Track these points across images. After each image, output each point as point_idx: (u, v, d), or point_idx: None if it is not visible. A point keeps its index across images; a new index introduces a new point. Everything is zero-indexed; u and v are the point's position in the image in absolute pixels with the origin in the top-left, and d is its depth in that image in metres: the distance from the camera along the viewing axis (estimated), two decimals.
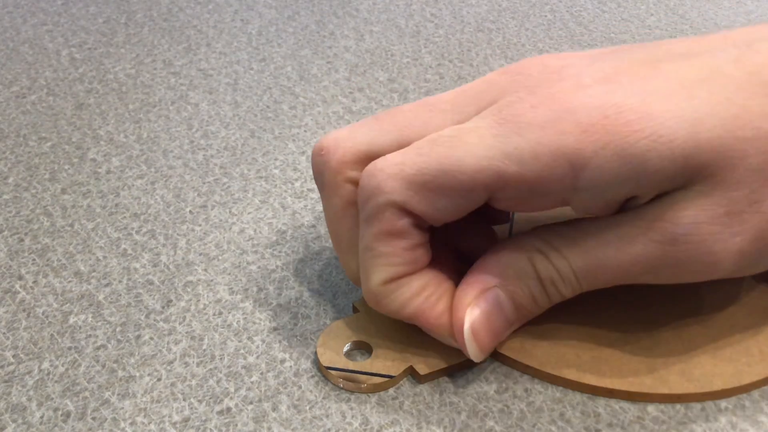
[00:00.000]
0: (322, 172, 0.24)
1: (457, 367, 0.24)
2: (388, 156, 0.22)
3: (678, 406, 0.22)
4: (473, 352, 0.22)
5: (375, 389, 0.23)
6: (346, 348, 0.24)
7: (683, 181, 0.21)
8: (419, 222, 0.22)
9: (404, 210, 0.22)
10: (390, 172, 0.22)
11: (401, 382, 0.23)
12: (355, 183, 0.23)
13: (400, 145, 0.23)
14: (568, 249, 0.22)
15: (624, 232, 0.21)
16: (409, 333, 0.24)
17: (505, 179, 0.21)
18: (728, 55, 0.22)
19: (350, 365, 0.23)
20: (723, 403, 0.23)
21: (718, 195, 0.20)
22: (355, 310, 0.26)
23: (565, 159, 0.20)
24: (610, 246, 0.21)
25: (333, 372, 0.23)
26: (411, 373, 0.24)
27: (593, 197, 0.21)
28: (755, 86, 0.21)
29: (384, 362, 0.23)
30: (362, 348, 0.24)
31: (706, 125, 0.20)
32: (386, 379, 0.23)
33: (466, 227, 0.26)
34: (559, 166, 0.21)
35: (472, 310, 0.22)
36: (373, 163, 0.22)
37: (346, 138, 0.24)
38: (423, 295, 0.23)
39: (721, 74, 0.21)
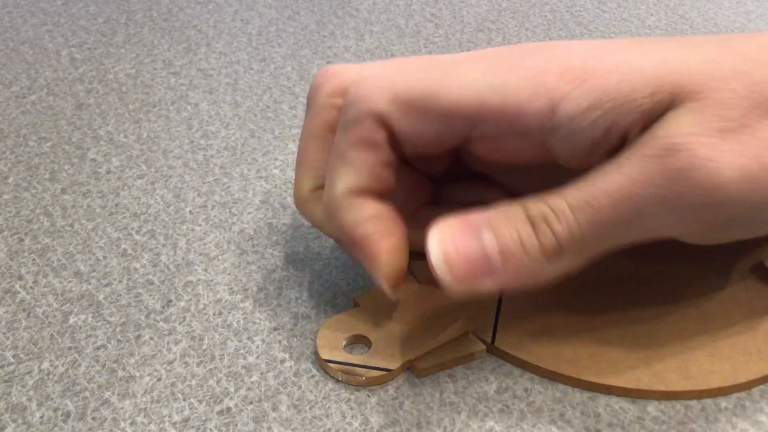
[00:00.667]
0: (318, 91, 0.25)
1: (456, 361, 0.24)
2: (373, 75, 0.23)
3: (678, 405, 0.22)
4: (445, 277, 0.20)
5: (373, 382, 0.23)
6: (345, 341, 0.24)
7: (666, 102, 0.20)
8: (394, 142, 0.23)
9: (384, 123, 0.22)
10: (379, 84, 0.22)
11: (401, 380, 0.23)
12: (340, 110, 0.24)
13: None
14: (565, 189, 0.21)
15: (622, 158, 0.20)
16: (409, 328, 0.24)
17: (486, 110, 0.22)
18: (711, 36, 0.23)
19: (349, 358, 0.23)
20: (723, 403, 0.23)
21: (707, 111, 0.20)
22: (355, 304, 0.26)
23: (546, 94, 0.21)
24: (607, 173, 0.20)
25: (332, 365, 0.23)
26: (409, 367, 0.24)
27: (573, 134, 0.21)
28: (732, 47, 0.22)
29: (383, 356, 0.23)
30: (361, 342, 0.24)
31: (678, 59, 0.21)
32: (384, 372, 0.23)
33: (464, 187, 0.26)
34: (537, 100, 0.21)
35: (446, 235, 0.21)
36: (364, 76, 0.23)
37: (351, 69, 0.25)
38: (378, 222, 0.23)
39: (697, 39, 0.22)
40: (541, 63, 0.22)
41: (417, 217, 0.25)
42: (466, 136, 0.22)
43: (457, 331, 0.24)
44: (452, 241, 0.21)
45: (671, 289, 0.25)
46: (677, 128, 0.20)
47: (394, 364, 0.23)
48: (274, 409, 0.23)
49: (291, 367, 0.24)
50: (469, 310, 0.25)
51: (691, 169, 0.19)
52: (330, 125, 0.24)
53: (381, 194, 0.23)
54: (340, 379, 0.23)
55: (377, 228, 0.23)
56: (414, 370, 0.23)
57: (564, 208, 0.20)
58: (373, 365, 0.23)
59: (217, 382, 0.23)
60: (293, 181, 0.32)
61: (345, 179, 0.23)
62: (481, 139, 0.23)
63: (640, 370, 0.23)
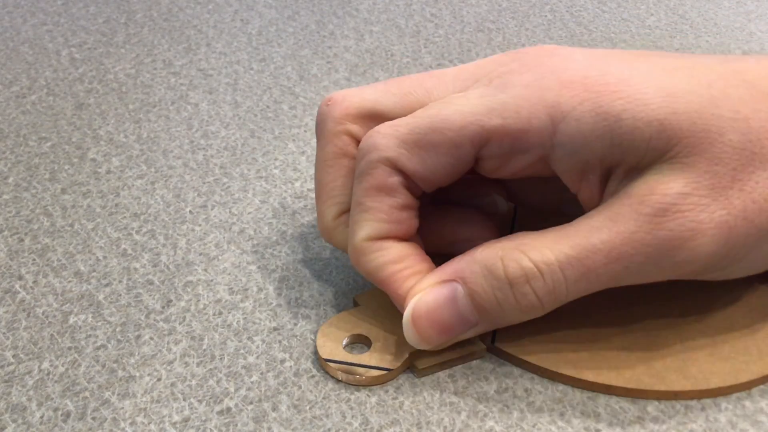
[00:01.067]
0: (325, 120, 0.25)
1: (456, 361, 0.24)
2: (388, 122, 0.23)
3: (678, 405, 0.22)
4: (409, 337, 0.22)
5: (373, 382, 0.23)
6: (345, 341, 0.24)
7: (662, 149, 0.21)
8: (410, 184, 0.23)
9: (395, 167, 0.23)
10: (385, 132, 0.23)
11: (401, 380, 0.23)
12: (353, 136, 0.25)
13: (403, 108, 0.24)
14: (554, 242, 0.21)
15: (614, 212, 0.21)
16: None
17: (488, 132, 0.22)
18: (715, 57, 0.23)
19: (349, 358, 0.23)
20: (723, 403, 0.23)
21: (701, 168, 0.20)
22: (355, 303, 0.26)
23: (545, 111, 0.21)
24: (599, 229, 0.21)
25: (332, 364, 0.23)
26: (409, 367, 0.24)
27: (571, 155, 0.22)
28: (737, 80, 0.22)
29: (383, 355, 0.23)
30: (362, 341, 0.24)
31: (683, 98, 0.21)
32: (385, 372, 0.23)
33: (465, 216, 0.26)
34: (538, 118, 0.21)
35: (421, 296, 0.22)
36: (374, 128, 0.24)
37: (354, 94, 0.25)
38: (401, 264, 0.23)
39: (704, 65, 0.22)
40: (538, 77, 0.22)
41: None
42: (475, 159, 0.23)
43: None
44: (426, 306, 0.22)
45: (671, 289, 0.25)
46: (671, 188, 0.20)
47: (394, 364, 0.23)
48: (274, 409, 0.23)
49: (291, 367, 0.24)
50: None
51: (680, 231, 0.20)
52: (343, 151, 0.25)
53: (403, 236, 0.24)
54: (340, 378, 0.23)
55: (397, 273, 0.23)
56: (414, 370, 0.23)
57: (553, 266, 0.21)
58: (373, 365, 0.23)
59: (217, 382, 0.23)
60: (294, 185, 0.32)
61: (365, 227, 0.23)
62: (487, 159, 0.23)
63: (641, 369, 0.23)
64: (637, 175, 0.21)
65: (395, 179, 0.23)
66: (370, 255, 0.23)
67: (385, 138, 0.23)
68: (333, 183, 0.25)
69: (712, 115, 0.21)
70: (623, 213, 0.21)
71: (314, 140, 0.36)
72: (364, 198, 0.23)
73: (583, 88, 0.21)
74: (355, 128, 0.25)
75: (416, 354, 0.23)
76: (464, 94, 0.23)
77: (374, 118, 0.25)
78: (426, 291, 0.22)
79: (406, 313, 0.22)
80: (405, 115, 0.24)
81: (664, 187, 0.20)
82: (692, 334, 0.24)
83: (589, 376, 0.23)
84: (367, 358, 0.23)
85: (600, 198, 0.22)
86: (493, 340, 0.24)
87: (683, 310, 0.25)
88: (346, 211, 0.25)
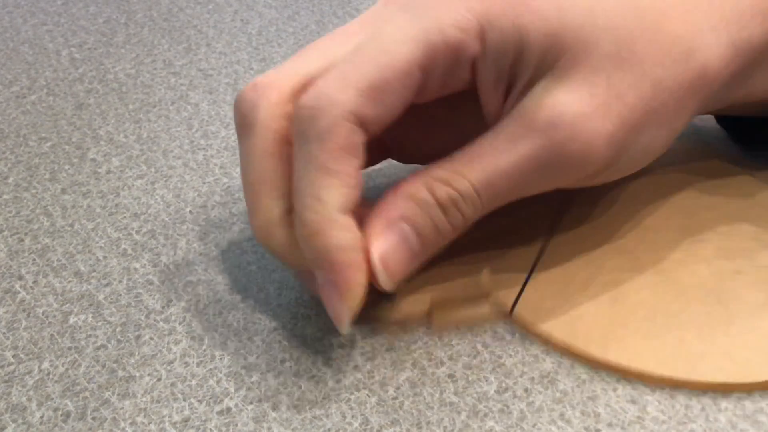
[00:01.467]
0: (256, 106, 0.23)
1: (473, 319, 0.25)
2: (323, 78, 0.22)
3: (678, 405, 0.22)
4: (384, 281, 0.22)
5: (400, 324, 0.25)
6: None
7: (551, 62, 0.22)
8: (366, 138, 0.22)
9: (359, 122, 0.22)
10: (338, 86, 0.22)
11: (401, 380, 0.23)
12: (290, 118, 0.23)
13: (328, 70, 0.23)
14: (466, 167, 0.23)
15: (510, 134, 0.22)
16: (433, 270, 0.25)
17: (434, 50, 0.22)
18: None
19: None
20: (723, 403, 0.22)
21: (580, 79, 0.22)
22: None
23: (476, 20, 0.22)
24: (503, 152, 0.22)
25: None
26: (428, 320, 0.25)
27: (492, 65, 0.23)
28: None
29: (406, 301, 0.24)
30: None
31: (569, 11, 0.22)
32: (410, 314, 0.24)
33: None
34: (472, 29, 0.22)
35: (378, 243, 0.22)
36: (311, 87, 0.22)
37: (282, 73, 0.24)
38: (358, 251, 0.22)
39: None
40: None
41: None
42: (421, 83, 0.22)
43: (480, 285, 0.25)
44: (386, 252, 0.22)
45: (705, 282, 0.25)
46: (556, 103, 0.22)
47: (418, 308, 0.24)
48: (274, 409, 0.23)
49: (291, 367, 0.24)
50: (496, 264, 0.26)
51: (570, 143, 0.22)
52: (283, 138, 0.23)
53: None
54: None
55: (357, 258, 0.22)
56: (431, 321, 0.24)
57: (471, 194, 0.23)
58: (396, 311, 0.24)
59: (217, 382, 0.24)
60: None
61: (335, 193, 0.21)
62: (430, 80, 0.23)
63: (672, 356, 0.23)
64: (528, 90, 0.23)
65: (359, 136, 0.22)
66: (339, 228, 0.21)
67: (341, 91, 0.21)
68: (276, 174, 0.23)
69: (592, 26, 0.22)
70: (519, 133, 0.22)
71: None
72: (328, 160, 0.21)
73: (503, 2, 0.22)
74: (291, 108, 0.23)
75: (439, 296, 0.24)
76: (390, 24, 0.22)
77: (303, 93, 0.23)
78: (379, 237, 0.22)
79: (376, 261, 0.22)
80: None
81: (551, 101, 0.22)
82: (726, 322, 0.24)
83: (611, 357, 0.22)
84: (391, 305, 0.24)
85: (501, 112, 0.24)
86: (512, 310, 0.24)
87: (727, 299, 0.24)
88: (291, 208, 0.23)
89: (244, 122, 0.24)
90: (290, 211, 0.23)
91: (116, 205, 0.32)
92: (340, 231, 0.21)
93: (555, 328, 0.24)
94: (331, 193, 0.21)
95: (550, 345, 0.24)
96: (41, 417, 0.22)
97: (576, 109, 0.22)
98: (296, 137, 0.22)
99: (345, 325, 0.22)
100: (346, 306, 0.22)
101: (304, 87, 0.23)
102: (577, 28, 0.22)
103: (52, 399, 0.23)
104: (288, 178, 0.23)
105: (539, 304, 0.25)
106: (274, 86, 0.23)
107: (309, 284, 0.25)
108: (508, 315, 0.24)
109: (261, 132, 0.23)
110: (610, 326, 0.24)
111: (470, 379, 0.23)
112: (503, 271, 0.26)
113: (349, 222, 0.22)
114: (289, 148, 0.23)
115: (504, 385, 0.23)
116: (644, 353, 0.23)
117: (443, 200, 0.22)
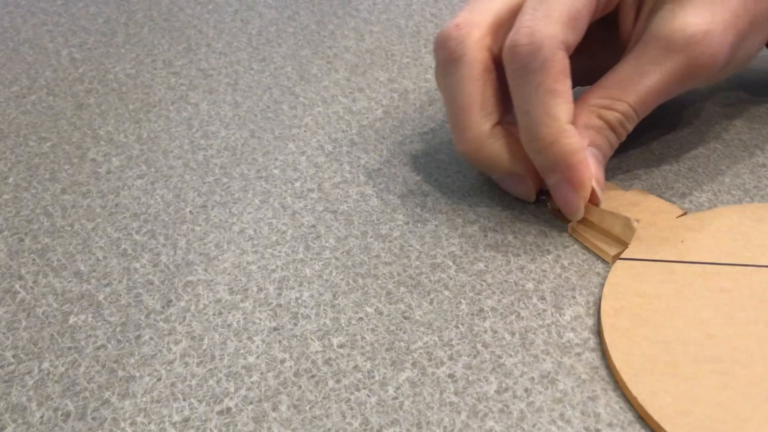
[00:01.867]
0: (463, 41, 0.28)
1: (607, 231, 0.28)
2: (528, 17, 0.26)
3: None
4: (600, 193, 0.28)
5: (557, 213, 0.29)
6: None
7: None
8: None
9: (565, 49, 0.26)
10: (546, 22, 0.26)
11: (401, 380, 0.23)
12: (491, 52, 0.28)
13: (513, 9, 0.28)
14: (623, 92, 0.28)
15: (652, 56, 0.27)
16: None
17: None
18: None
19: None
20: None
21: (701, 1, 0.27)
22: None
23: None
24: (649, 74, 0.27)
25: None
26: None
27: None
28: None
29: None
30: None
31: None
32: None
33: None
34: None
35: (593, 173, 0.28)
36: (522, 25, 0.26)
37: (474, 14, 0.28)
38: (583, 152, 0.27)
39: None
40: None
41: None
42: (594, 10, 0.28)
43: (624, 226, 0.28)
44: (595, 173, 0.28)
45: None
46: (690, 23, 0.27)
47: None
48: (274, 409, 0.23)
49: (291, 367, 0.24)
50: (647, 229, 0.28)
51: (703, 56, 0.27)
52: (486, 67, 0.28)
53: None
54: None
55: (585, 158, 0.27)
56: (570, 226, 0.28)
57: (630, 112, 0.28)
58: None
59: (217, 382, 0.24)
60: (294, 185, 0.32)
61: (563, 109, 0.26)
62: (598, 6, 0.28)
63: None
64: (658, 9, 0.28)
65: (567, 60, 0.26)
66: (571, 138, 0.26)
67: (550, 26, 0.26)
68: (483, 96, 0.28)
69: None
70: (660, 54, 0.27)
71: (314, 140, 0.36)
72: (554, 84, 0.26)
73: None
74: (490, 42, 0.28)
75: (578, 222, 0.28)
76: None
77: (500, 28, 0.28)
78: (591, 167, 0.28)
79: (596, 183, 0.27)
80: (516, 13, 0.27)
81: (683, 23, 0.27)
82: None
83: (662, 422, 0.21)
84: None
85: (632, 32, 0.29)
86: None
87: None
88: (498, 123, 0.28)
89: (452, 56, 0.28)
90: (496, 126, 0.28)
91: (116, 205, 0.32)
92: (571, 138, 0.26)
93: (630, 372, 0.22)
94: (560, 109, 0.26)
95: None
96: (41, 417, 0.22)
97: (705, 27, 0.27)
98: (516, 70, 0.26)
99: (580, 213, 0.28)
100: (580, 197, 0.27)
101: (496, 24, 0.28)
102: None
103: (52, 399, 0.23)
104: (491, 99, 0.28)
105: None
106: (474, 25, 0.28)
107: (512, 187, 0.30)
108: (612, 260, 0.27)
109: (470, 62, 0.28)
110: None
111: (470, 379, 0.23)
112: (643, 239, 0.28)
113: (574, 130, 0.27)
114: (490, 75, 0.28)
115: (504, 385, 0.23)
116: None
117: (612, 122, 0.28)
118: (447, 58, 0.28)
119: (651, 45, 0.27)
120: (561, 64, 0.26)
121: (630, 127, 0.29)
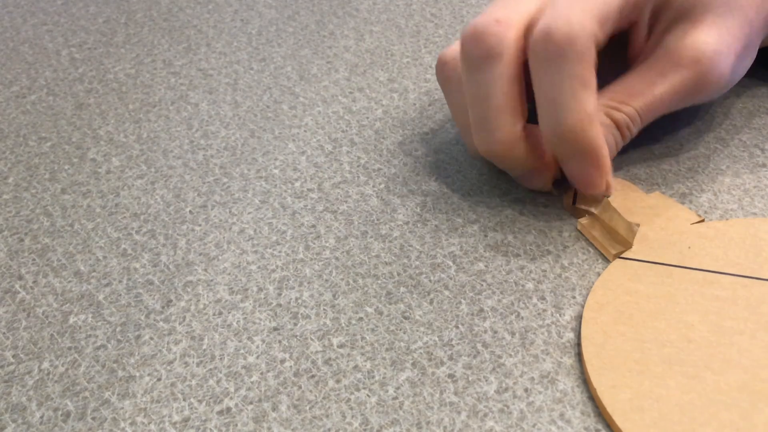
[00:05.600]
0: (502, 40, 0.27)
1: (608, 226, 0.28)
2: (567, 5, 0.27)
3: None
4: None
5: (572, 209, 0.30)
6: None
7: (688, 7, 0.29)
8: None
9: (597, 45, 0.27)
10: (584, 15, 0.26)
11: (401, 380, 0.23)
12: (523, 52, 0.28)
13: (540, 8, 0.28)
14: (630, 97, 0.29)
15: (661, 68, 0.29)
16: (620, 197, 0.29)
17: None
18: None
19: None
20: None
21: (710, 23, 0.28)
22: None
23: None
24: (656, 83, 0.29)
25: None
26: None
27: (650, 6, 0.29)
28: None
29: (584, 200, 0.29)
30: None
31: None
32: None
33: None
34: None
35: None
36: (559, 13, 0.26)
37: (510, 12, 0.28)
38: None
39: None
40: None
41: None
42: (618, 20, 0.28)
43: (626, 229, 0.28)
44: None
45: None
46: (700, 42, 0.28)
47: (588, 206, 0.29)
48: (274, 409, 0.23)
49: (291, 367, 0.24)
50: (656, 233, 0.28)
51: (709, 73, 0.28)
52: (521, 67, 0.28)
53: None
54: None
55: (606, 146, 0.28)
56: (580, 223, 0.29)
57: (635, 115, 0.29)
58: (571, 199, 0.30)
59: (217, 382, 0.24)
60: (294, 185, 0.32)
61: (592, 100, 0.26)
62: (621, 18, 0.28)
63: None
64: (672, 28, 0.29)
65: (595, 55, 0.26)
66: (597, 127, 0.27)
67: (588, 19, 0.26)
68: (517, 98, 0.28)
69: None
70: (669, 68, 0.29)
71: (314, 140, 0.36)
72: (586, 75, 0.26)
73: None
74: (524, 44, 0.28)
75: (587, 218, 0.29)
76: None
77: (530, 30, 0.28)
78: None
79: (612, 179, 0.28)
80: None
81: (693, 42, 0.28)
82: None
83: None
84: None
85: (643, 47, 0.30)
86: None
87: None
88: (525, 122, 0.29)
89: (491, 52, 0.27)
90: (524, 125, 0.28)
91: (116, 205, 0.32)
92: (597, 126, 0.27)
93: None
94: (590, 100, 0.26)
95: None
96: (41, 417, 0.22)
97: (713, 47, 0.28)
98: (548, 57, 0.26)
99: (603, 189, 0.28)
100: (603, 178, 0.28)
101: (530, 25, 0.28)
102: None
103: (52, 399, 0.23)
104: (521, 99, 0.28)
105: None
106: (513, 23, 0.28)
107: (530, 181, 0.30)
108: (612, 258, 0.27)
109: (509, 62, 0.27)
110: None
111: (470, 379, 0.23)
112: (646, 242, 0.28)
113: (598, 121, 0.27)
114: (522, 75, 0.28)
115: (504, 385, 0.23)
116: None
117: (620, 122, 0.29)
118: (484, 54, 0.27)
119: (662, 59, 0.29)
120: (592, 57, 0.26)
121: (634, 131, 0.30)
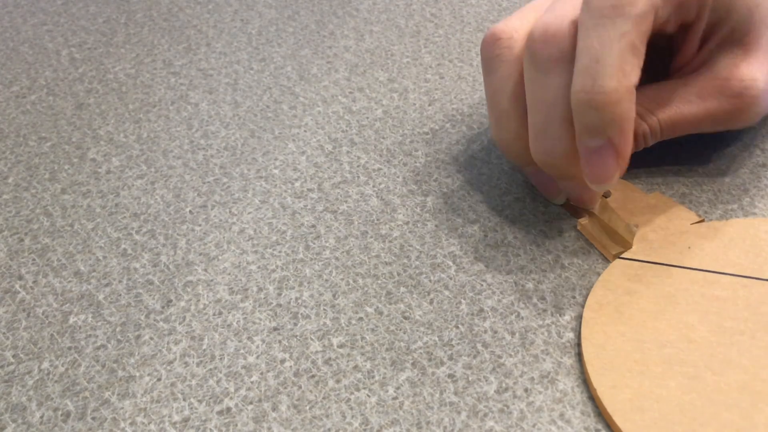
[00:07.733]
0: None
1: (607, 227, 0.28)
2: None
3: None
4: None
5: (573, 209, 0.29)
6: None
7: (743, 31, 0.27)
8: None
9: (656, 14, 0.25)
10: None
11: (401, 380, 0.23)
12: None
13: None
14: (658, 107, 0.27)
15: (701, 89, 0.27)
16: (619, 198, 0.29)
17: None
18: None
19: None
20: None
21: (761, 58, 0.27)
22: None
23: None
24: (690, 103, 0.27)
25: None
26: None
27: (706, 16, 0.27)
28: None
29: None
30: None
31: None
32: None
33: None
34: None
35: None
36: None
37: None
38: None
39: None
40: None
41: None
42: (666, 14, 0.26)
43: (626, 230, 0.28)
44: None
45: None
46: (746, 72, 0.27)
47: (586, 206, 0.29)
48: (274, 409, 0.23)
49: (291, 367, 0.24)
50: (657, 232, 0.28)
51: (750, 105, 0.27)
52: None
53: None
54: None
55: (632, 131, 0.26)
56: (581, 223, 0.29)
57: (656, 128, 0.28)
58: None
59: (217, 382, 0.24)
60: (294, 185, 0.32)
61: (636, 71, 0.24)
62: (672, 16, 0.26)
63: None
64: (724, 51, 0.28)
65: (650, 28, 0.24)
66: (633, 104, 0.24)
67: None
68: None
69: (760, 7, 0.27)
70: (709, 93, 0.27)
71: (314, 140, 0.36)
72: (638, 41, 0.24)
73: None
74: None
75: (589, 218, 0.29)
76: None
77: None
78: None
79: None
80: None
81: (741, 74, 0.27)
82: None
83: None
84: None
85: (691, 60, 0.29)
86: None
87: None
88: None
89: (565, 56, 0.26)
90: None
91: (116, 205, 0.32)
92: (632, 104, 0.24)
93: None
94: (635, 71, 0.24)
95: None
96: (41, 417, 0.22)
97: (759, 85, 0.27)
98: (604, 10, 0.24)
99: (615, 179, 0.26)
100: (619, 165, 0.25)
101: None
102: (763, 9, 0.27)
103: (52, 399, 0.23)
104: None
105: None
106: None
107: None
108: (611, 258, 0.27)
109: (530, 74, 0.26)
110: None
111: (470, 379, 0.23)
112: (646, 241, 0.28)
113: (633, 96, 0.24)
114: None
115: (504, 385, 0.23)
116: None
117: (636, 130, 0.27)
118: (556, 55, 0.25)
119: (706, 80, 0.27)
120: (649, 28, 0.24)
121: (650, 142, 0.28)
